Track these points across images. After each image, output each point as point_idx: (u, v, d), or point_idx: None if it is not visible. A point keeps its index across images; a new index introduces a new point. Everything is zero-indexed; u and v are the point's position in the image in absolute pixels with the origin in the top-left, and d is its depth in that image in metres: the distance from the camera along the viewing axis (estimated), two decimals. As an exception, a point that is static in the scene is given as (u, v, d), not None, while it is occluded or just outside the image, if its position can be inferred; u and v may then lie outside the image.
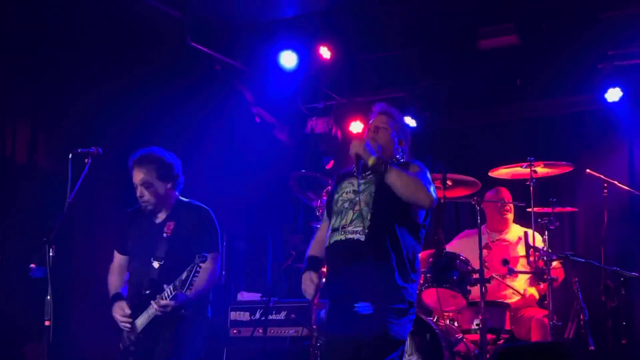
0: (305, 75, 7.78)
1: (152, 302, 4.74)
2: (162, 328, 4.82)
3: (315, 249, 4.52)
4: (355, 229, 4.21)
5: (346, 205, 4.32)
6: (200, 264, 4.54)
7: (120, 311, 4.88)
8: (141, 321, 4.85)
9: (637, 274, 6.07)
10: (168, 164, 5.04)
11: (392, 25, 7.19)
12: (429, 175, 4.42)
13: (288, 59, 7.53)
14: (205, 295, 5.03)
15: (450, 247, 6.75)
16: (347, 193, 4.37)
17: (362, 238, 4.18)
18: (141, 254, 5.01)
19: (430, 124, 8.05)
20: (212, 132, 8.01)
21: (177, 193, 5.11)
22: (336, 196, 4.42)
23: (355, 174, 4.34)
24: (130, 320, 4.85)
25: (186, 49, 7.10)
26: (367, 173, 4.34)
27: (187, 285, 4.54)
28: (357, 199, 4.26)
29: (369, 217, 4.20)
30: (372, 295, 4.11)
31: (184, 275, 4.56)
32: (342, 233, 4.24)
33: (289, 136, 8.28)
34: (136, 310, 4.87)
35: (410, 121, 7.89)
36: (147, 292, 4.83)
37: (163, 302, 4.68)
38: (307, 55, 7.57)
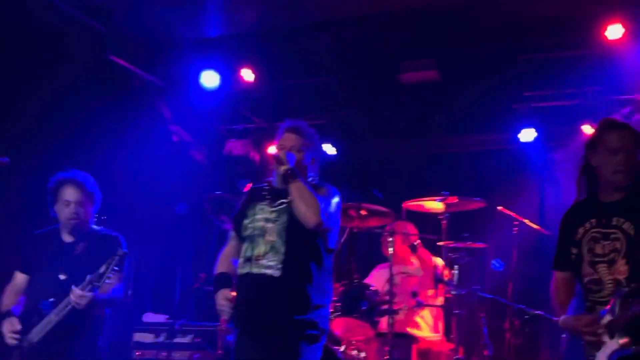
0: (226, 97, 7.74)
1: (72, 287, 4.60)
2: (58, 342, 4.71)
3: (223, 265, 4.40)
4: (269, 263, 4.12)
5: (257, 232, 4.22)
6: (119, 256, 4.54)
7: (9, 327, 4.74)
8: (37, 331, 4.71)
9: (541, 313, 6.17)
10: (97, 192, 5.12)
11: (317, 53, 7.22)
12: (335, 200, 4.33)
13: (209, 79, 7.47)
14: (101, 316, 4.94)
15: (367, 278, 6.78)
16: (257, 220, 4.26)
17: (277, 274, 4.10)
18: (48, 269, 4.92)
19: (349, 152, 8.09)
20: (128, 148, 7.84)
21: (92, 222, 5.15)
22: (245, 222, 4.30)
23: (267, 196, 4.29)
24: (18, 336, 4.71)
25: (105, 63, 6.97)
26: (279, 201, 4.26)
27: (104, 279, 4.52)
28: (268, 226, 4.19)
29: (282, 251, 4.13)
30: (284, 326, 4.07)
31: (102, 268, 4.55)
32: (256, 266, 4.15)
33: (206, 157, 8.21)
34: (30, 325, 4.74)
35: (329, 149, 7.93)
36: (52, 300, 4.71)
37: (79, 292, 4.55)
38: (229, 77, 7.54)
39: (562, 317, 3.75)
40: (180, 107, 7.87)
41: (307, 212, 4.11)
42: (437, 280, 6.22)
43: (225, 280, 4.29)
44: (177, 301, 8.23)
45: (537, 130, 7.43)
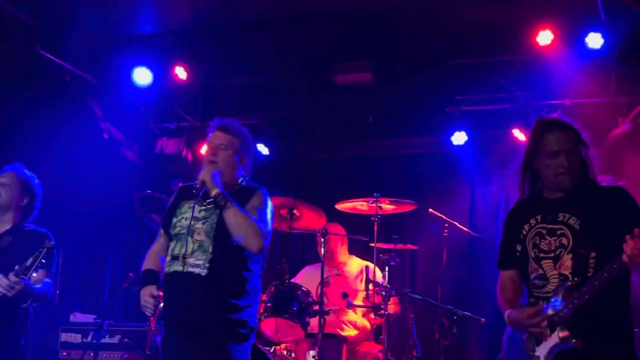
0: (159, 94, 7.65)
1: (0, 275, 4.51)
2: None
3: (150, 262, 4.36)
4: (196, 262, 4.10)
5: (185, 231, 4.18)
6: (47, 248, 4.46)
7: None
8: None
9: (469, 314, 6.24)
10: (35, 186, 5.12)
11: (251, 52, 7.19)
12: (269, 209, 4.33)
13: (142, 76, 7.38)
14: (27, 313, 4.84)
15: (296, 278, 6.78)
16: (186, 219, 4.23)
17: (204, 273, 4.08)
18: None
19: (282, 153, 8.09)
20: (57, 145, 7.69)
21: (24, 219, 5.08)
22: (174, 220, 4.27)
23: (196, 195, 4.24)
24: None
25: (36, 57, 6.83)
26: (208, 201, 4.23)
27: (31, 272, 4.45)
28: (197, 226, 4.16)
29: (210, 250, 4.11)
30: (212, 325, 4.05)
31: (29, 261, 4.47)
32: (182, 264, 4.11)
33: (138, 155, 8.10)
34: None
35: (262, 149, 7.91)
36: None
37: (11, 279, 4.47)
38: (162, 74, 7.45)
39: (507, 312, 3.73)
40: (112, 104, 7.75)
41: (247, 240, 4.11)
42: (368, 281, 6.23)
43: (151, 277, 4.26)
44: (105, 301, 8.12)
45: (468, 134, 7.52)
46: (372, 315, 6.61)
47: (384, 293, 6.10)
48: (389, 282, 6.31)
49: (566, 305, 3.48)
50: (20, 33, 6.77)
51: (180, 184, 4.59)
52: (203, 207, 4.23)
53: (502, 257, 3.93)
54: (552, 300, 3.56)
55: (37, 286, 4.68)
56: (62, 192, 7.55)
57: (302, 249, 8.29)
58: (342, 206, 6.60)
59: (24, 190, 5.05)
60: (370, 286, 6.20)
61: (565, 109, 7.11)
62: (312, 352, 6.14)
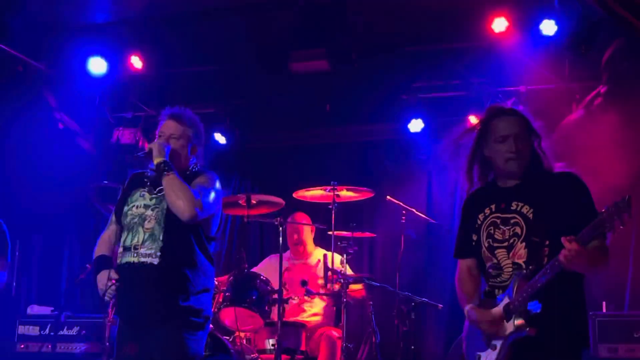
0: (114, 84, 7.57)
1: None
2: None
3: (102, 248, 4.33)
4: (148, 252, 4.08)
5: (136, 220, 4.17)
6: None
7: None
8: None
9: (427, 300, 6.31)
10: None
11: (207, 40, 7.14)
12: (215, 188, 4.29)
13: (97, 66, 7.29)
14: None
15: (257, 267, 6.80)
16: (137, 207, 4.21)
17: (156, 262, 4.07)
18: None
19: (239, 142, 8.07)
20: (10, 136, 7.60)
21: None
22: (125, 209, 4.25)
23: (147, 183, 4.23)
24: None
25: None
26: (159, 188, 4.19)
27: None
28: (147, 214, 4.15)
29: (161, 238, 4.09)
30: (167, 314, 4.04)
31: None
32: (135, 255, 4.10)
33: (94, 145, 8.02)
34: None
35: (219, 138, 7.89)
36: None
37: None
38: (117, 64, 7.37)
39: (468, 307, 3.74)
40: (67, 94, 7.66)
41: (179, 205, 4.06)
42: (327, 269, 6.26)
43: (105, 262, 4.23)
44: (63, 293, 8.05)
45: (424, 121, 7.56)
46: (331, 303, 6.65)
47: (342, 280, 6.13)
48: (348, 270, 6.34)
49: (520, 294, 3.50)
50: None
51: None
52: (154, 195, 4.21)
53: (459, 246, 3.95)
54: (507, 289, 3.57)
55: None
56: (17, 183, 7.48)
57: (261, 239, 8.29)
58: (300, 194, 6.61)
59: None
60: (329, 274, 6.23)
61: (520, 96, 7.20)
62: (271, 341, 6.16)
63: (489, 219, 3.73)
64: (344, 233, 6.47)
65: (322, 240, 7.04)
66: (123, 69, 7.41)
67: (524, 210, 3.64)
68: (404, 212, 6.89)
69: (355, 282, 6.32)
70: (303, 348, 6.33)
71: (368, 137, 8.13)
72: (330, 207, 6.39)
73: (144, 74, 7.47)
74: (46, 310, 7.07)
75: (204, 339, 4.22)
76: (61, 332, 6.65)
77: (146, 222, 4.14)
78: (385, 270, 7.66)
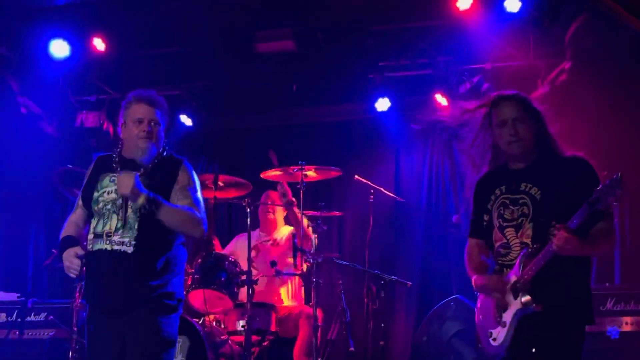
0: (77, 67, 7.47)
1: None
2: None
3: (69, 230, 4.22)
4: (122, 240, 4.01)
5: (109, 207, 4.08)
6: None
7: None
8: None
9: (396, 278, 6.33)
10: None
11: (170, 22, 7.06)
12: (198, 186, 4.24)
13: (59, 49, 7.19)
14: None
15: (226, 250, 6.77)
16: (108, 193, 4.11)
17: (130, 250, 4.00)
18: None
19: (205, 124, 8.03)
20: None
21: None
22: (96, 194, 4.15)
23: (117, 168, 4.14)
24: None
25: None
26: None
27: None
28: (120, 201, 4.05)
29: (136, 227, 4.02)
30: (139, 299, 4.00)
31: None
32: (108, 242, 4.02)
33: (57, 129, 7.92)
34: None
35: (186, 120, 7.83)
36: None
37: None
38: (79, 46, 7.27)
39: (474, 277, 3.91)
40: (29, 77, 7.55)
41: (188, 232, 4.12)
42: (296, 249, 6.25)
43: (73, 242, 4.13)
44: (29, 278, 7.97)
45: (391, 100, 7.56)
46: (301, 283, 6.65)
47: (311, 260, 6.13)
48: (316, 249, 6.34)
49: (526, 271, 3.64)
50: None
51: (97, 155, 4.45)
52: None
53: (472, 226, 4.08)
54: (514, 267, 3.71)
55: None
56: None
57: (229, 219, 8.26)
58: (268, 175, 6.58)
59: None
60: (298, 254, 6.23)
61: (486, 73, 7.22)
62: (241, 322, 6.15)
63: (499, 199, 3.87)
64: (313, 212, 6.47)
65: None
66: (86, 52, 7.33)
67: (533, 191, 3.78)
68: (372, 191, 6.90)
69: (325, 261, 6.31)
70: (273, 329, 6.32)
71: (336, 117, 8.13)
72: (298, 187, 6.37)
73: (107, 56, 7.40)
74: (12, 296, 6.98)
75: (177, 321, 4.18)
76: (28, 318, 6.57)
77: (120, 210, 4.05)
78: (354, 249, 7.67)
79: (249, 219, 6.17)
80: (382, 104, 7.59)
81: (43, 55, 7.23)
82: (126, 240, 4.01)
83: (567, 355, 3.68)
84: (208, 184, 6.40)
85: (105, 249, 4.02)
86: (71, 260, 4.02)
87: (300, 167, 6.32)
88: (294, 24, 7.09)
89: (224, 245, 6.95)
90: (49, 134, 7.90)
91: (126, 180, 3.96)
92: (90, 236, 4.12)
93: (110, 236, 4.03)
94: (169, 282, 4.11)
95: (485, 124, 3.94)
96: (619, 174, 3.34)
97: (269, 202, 6.87)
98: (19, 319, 6.50)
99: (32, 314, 6.61)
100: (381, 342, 6.35)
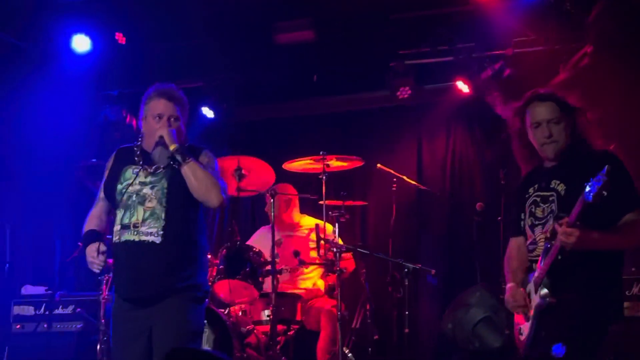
0: (99, 61, 7.52)
1: None
2: None
3: (92, 224, 4.24)
4: (149, 230, 4.03)
5: (134, 198, 4.09)
6: None
7: None
8: None
9: (420, 266, 6.32)
10: None
11: (190, 14, 7.07)
12: (217, 165, 4.31)
13: (81, 43, 7.26)
14: None
15: (250, 240, 6.80)
16: (132, 185, 4.12)
17: (158, 240, 4.02)
18: None
19: (227, 115, 8.04)
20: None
21: None
22: (119, 187, 4.16)
23: (139, 160, 4.17)
24: None
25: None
26: (155, 166, 4.14)
27: None
28: (146, 192, 4.08)
29: (163, 217, 4.05)
30: (168, 291, 4.03)
31: None
32: (135, 233, 4.04)
33: (81, 124, 7.98)
34: None
35: (207, 112, 7.87)
36: None
37: None
38: (101, 41, 7.33)
39: (508, 286, 3.97)
40: (52, 73, 7.60)
41: (207, 195, 4.08)
42: (319, 238, 6.27)
43: (95, 236, 4.15)
44: (56, 272, 8.04)
45: (412, 88, 7.54)
46: (325, 272, 6.67)
47: (335, 249, 6.14)
48: (339, 239, 6.36)
49: (542, 266, 3.69)
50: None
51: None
52: (151, 173, 4.14)
53: (511, 225, 4.12)
54: (538, 262, 3.75)
55: None
56: (6, 166, 7.46)
57: (252, 211, 8.29)
58: (290, 166, 6.60)
59: None
60: (321, 244, 6.24)
61: (507, 59, 7.17)
62: (266, 312, 6.19)
63: (532, 197, 3.91)
64: (335, 202, 6.48)
65: (313, 211, 7.04)
66: (107, 46, 7.38)
67: (559, 187, 3.80)
68: (394, 179, 6.90)
69: (348, 250, 6.33)
70: (298, 318, 6.36)
71: (357, 106, 8.11)
72: (320, 177, 6.38)
73: (128, 50, 7.43)
74: (40, 290, 7.07)
75: (204, 313, 4.23)
76: (56, 311, 6.67)
77: (147, 201, 4.07)
78: (377, 238, 7.67)
79: (272, 210, 6.20)
80: (404, 92, 7.57)
81: (66, 50, 7.30)
82: (154, 230, 4.03)
83: (584, 351, 3.65)
84: (230, 175, 6.43)
85: (133, 240, 4.05)
86: (94, 256, 4.05)
87: (322, 156, 6.34)
88: (313, 13, 7.08)
89: (245, 238, 6.97)
90: (73, 129, 7.96)
91: (164, 126, 4.09)
92: (117, 227, 4.13)
93: (137, 227, 4.05)
94: (196, 274, 4.14)
95: (518, 124, 3.98)
96: (607, 167, 3.39)
97: (291, 194, 6.90)
98: (47, 312, 6.59)
99: (60, 306, 6.71)
100: (406, 330, 6.37)
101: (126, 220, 4.09)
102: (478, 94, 7.23)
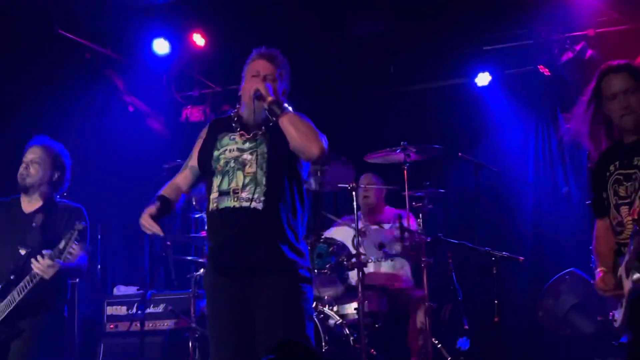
0: (179, 63, 7.67)
1: (33, 260, 4.58)
2: (24, 317, 4.73)
3: (165, 191, 4.13)
4: (249, 196, 3.82)
5: (232, 164, 3.90)
6: (78, 230, 4.50)
7: None
8: (1, 309, 4.69)
9: (507, 254, 6.25)
10: (64, 159, 5.09)
11: (265, 12, 7.13)
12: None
13: (161, 46, 7.40)
14: (65, 286, 4.97)
15: (328, 234, 6.79)
16: (230, 151, 3.94)
17: (260, 206, 3.82)
18: (8, 242, 4.87)
19: (303, 109, 8.01)
20: (84, 123, 7.75)
21: (55, 193, 5.07)
22: (216, 153, 3.98)
23: (237, 128, 4.00)
24: None
25: (55, 38, 6.87)
26: (253, 132, 3.97)
27: (64, 253, 4.51)
28: (245, 157, 3.91)
29: (264, 182, 3.85)
30: (274, 263, 3.84)
31: (62, 244, 4.52)
32: (235, 199, 3.84)
33: (164, 125, 8.14)
34: None
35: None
36: (12, 277, 4.71)
37: (46, 261, 4.52)
38: (180, 43, 7.46)
39: (598, 270, 3.81)
40: (134, 76, 7.78)
41: (308, 143, 3.86)
42: (403, 230, 6.24)
43: (159, 199, 4.06)
44: (146, 271, 8.20)
45: (491, 74, 7.47)
46: (411, 263, 6.64)
47: (419, 240, 6.11)
48: (423, 229, 6.32)
49: (633, 249, 3.50)
50: (38, 16, 6.78)
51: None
52: (249, 139, 3.97)
53: (595, 205, 3.94)
54: (628, 247, 3.56)
55: (72, 263, 4.69)
56: (93, 168, 7.64)
57: (335, 204, 8.29)
58: (372, 158, 6.58)
59: (55, 165, 5.00)
60: (406, 234, 6.22)
61: (589, 40, 7.02)
62: (353, 305, 6.18)
63: (613, 175, 3.75)
64: (418, 192, 6.44)
65: (396, 202, 7.01)
66: (186, 48, 7.50)
67: None
68: (476, 167, 6.83)
69: (432, 240, 6.29)
70: (385, 310, 6.34)
71: (435, 95, 8.05)
72: (402, 167, 6.35)
73: (207, 51, 7.53)
74: (132, 289, 7.23)
75: (312, 295, 4.02)
76: (148, 310, 6.77)
77: (247, 166, 3.89)
78: (461, 227, 7.59)
79: (355, 203, 6.18)
80: (483, 79, 7.50)
81: (146, 53, 7.44)
82: (255, 196, 3.84)
83: None
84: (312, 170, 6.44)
85: (233, 206, 3.85)
86: (145, 219, 4.00)
87: (402, 147, 6.30)
88: (387, 4, 7.05)
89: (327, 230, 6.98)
90: (156, 131, 8.11)
91: (259, 80, 3.96)
92: (215, 195, 3.92)
93: (237, 193, 3.86)
94: (300, 247, 3.94)
95: (594, 97, 3.81)
96: None
97: (374, 185, 6.88)
98: (139, 311, 6.71)
99: (152, 305, 6.82)
100: (496, 319, 6.27)
101: (225, 186, 3.90)
102: (559, 76, 7.09)
